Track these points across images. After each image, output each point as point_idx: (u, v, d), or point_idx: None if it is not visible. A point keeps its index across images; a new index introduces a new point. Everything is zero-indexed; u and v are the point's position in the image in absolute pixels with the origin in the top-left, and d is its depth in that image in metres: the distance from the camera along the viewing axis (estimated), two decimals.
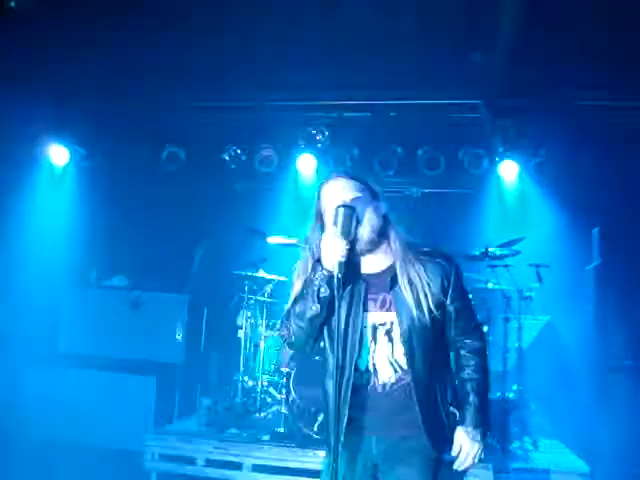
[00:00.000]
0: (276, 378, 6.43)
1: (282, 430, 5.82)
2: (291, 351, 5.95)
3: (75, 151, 8.35)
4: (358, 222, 2.86)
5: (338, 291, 2.79)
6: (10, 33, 6.24)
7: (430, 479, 2.91)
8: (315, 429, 5.49)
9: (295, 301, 2.98)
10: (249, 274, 6.69)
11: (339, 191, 2.96)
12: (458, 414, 3.00)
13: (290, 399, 5.80)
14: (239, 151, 7.99)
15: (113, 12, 5.95)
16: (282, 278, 6.72)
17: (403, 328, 2.90)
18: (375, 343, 2.93)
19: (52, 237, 7.95)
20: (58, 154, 8.30)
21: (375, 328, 2.94)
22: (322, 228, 2.98)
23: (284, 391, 5.92)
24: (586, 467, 5.46)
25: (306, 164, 7.90)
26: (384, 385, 2.94)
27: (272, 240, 6.66)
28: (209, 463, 5.61)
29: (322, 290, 2.83)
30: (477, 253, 6.27)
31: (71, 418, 6.91)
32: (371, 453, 2.95)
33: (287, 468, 5.35)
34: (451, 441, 2.96)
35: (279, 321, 3.21)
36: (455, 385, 3.05)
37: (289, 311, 3.00)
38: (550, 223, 7.41)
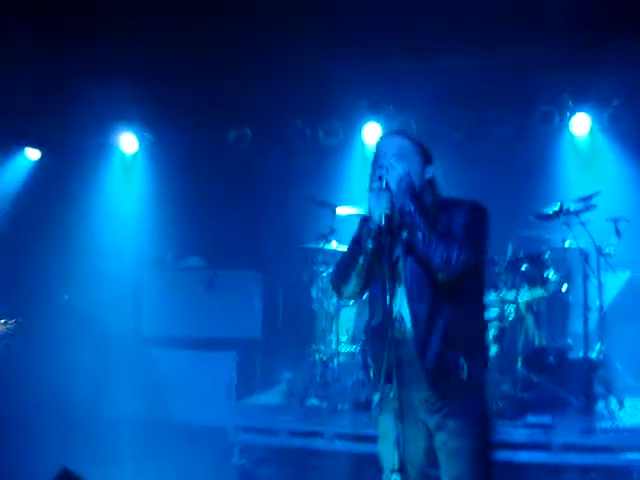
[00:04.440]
0: (353, 348, 6.45)
1: (362, 399, 5.84)
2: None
3: (144, 138, 8.52)
4: (400, 179, 2.96)
5: (384, 243, 2.87)
6: (76, 25, 6.42)
7: (472, 434, 2.91)
8: None
9: (345, 254, 3.17)
10: (320, 247, 6.70)
11: (389, 147, 3.10)
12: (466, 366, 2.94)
13: (367, 367, 5.80)
14: (304, 125, 8.02)
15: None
16: None
17: (407, 275, 2.99)
18: (398, 291, 2.99)
19: (128, 222, 8.18)
20: (128, 142, 8.49)
21: (398, 276, 3.00)
22: None
23: (361, 360, 5.92)
24: None
25: (372, 133, 7.85)
26: (409, 333, 2.97)
27: (341, 211, 6.67)
28: (291, 434, 5.67)
29: (368, 242, 2.92)
30: (551, 212, 6.11)
31: (155, 396, 7.12)
32: (417, 410, 2.96)
33: (368, 436, 5.36)
34: (455, 393, 2.93)
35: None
36: (474, 340, 3.05)
37: (338, 263, 3.21)
38: (627, 175, 7.16)
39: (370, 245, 2.92)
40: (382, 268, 2.91)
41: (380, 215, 2.87)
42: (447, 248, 2.86)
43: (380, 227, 2.87)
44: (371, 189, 2.97)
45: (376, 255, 2.93)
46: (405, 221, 2.93)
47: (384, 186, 2.92)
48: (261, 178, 8.01)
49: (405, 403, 2.82)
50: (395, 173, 2.97)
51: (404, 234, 2.97)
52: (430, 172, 3.11)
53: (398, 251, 3.01)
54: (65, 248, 7.93)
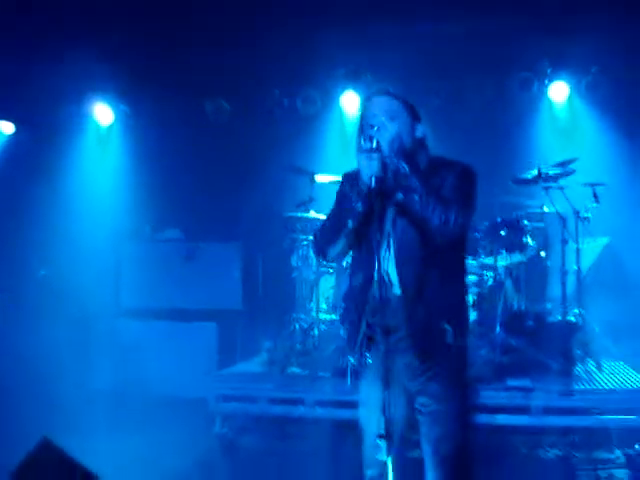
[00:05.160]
0: (333, 316, 6.44)
1: (342, 365, 5.84)
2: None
3: (120, 110, 8.42)
4: (393, 139, 2.87)
5: (373, 205, 2.80)
6: None
7: (453, 397, 2.93)
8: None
9: (331, 215, 3.10)
10: (299, 215, 6.67)
11: (379, 107, 3.00)
12: (451, 331, 2.94)
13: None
14: (282, 94, 7.98)
15: None
16: None
17: (397, 237, 2.95)
18: (387, 253, 2.94)
19: (104, 195, 8.11)
20: (103, 113, 8.39)
21: (387, 238, 2.96)
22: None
23: (341, 327, 5.92)
24: None
25: (350, 101, 7.83)
26: (397, 298, 2.93)
27: (320, 179, 6.64)
28: (272, 401, 5.68)
29: (358, 204, 2.86)
30: (530, 176, 6.11)
31: (136, 369, 7.10)
32: (399, 373, 2.93)
33: (349, 402, 5.37)
34: (441, 358, 2.94)
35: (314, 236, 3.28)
36: (457, 305, 3.05)
37: (324, 224, 3.13)
38: (605, 142, 7.19)
39: (360, 207, 2.86)
40: (370, 230, 2.86)
41: (371, 176, 2.79)
42: (445, 210, 2.81)
43: (370, 189, 2.80)
44: (361, 149, 2.86)
45: (365, 217, 2.87)
46: (400, 183, 2.86)
47: (375, 146, 2.83)
48: (239, 147, 7.92)
49: (390, 368, 2.80)
50: (386, 133, 2.88)
51: (399, 196, 2.90)
52: (420, 131, 3.04)
53: (388, 213, 2.95)
54: (41, 222, 7.84)
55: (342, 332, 5.76)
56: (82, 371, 7.21)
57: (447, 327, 2.93)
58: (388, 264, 2.94)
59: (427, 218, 2.82)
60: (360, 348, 2.96)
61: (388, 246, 2.95)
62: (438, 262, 2.92)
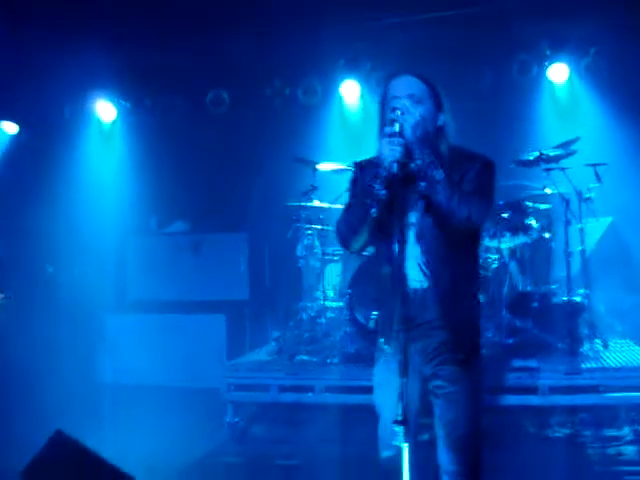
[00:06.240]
0: (340, 303, 6.48)
1: (350, 351, 5.90)
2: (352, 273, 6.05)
3: (121, 106, 8.45)
4: (417, 124, 2.77)
5: (394, 191, 2.70)
6: None
7: (466, 380, 2.93)
8: None
9: (352, 205, 3.01)
10: (303, 204, 6.69)
11: (403, 88, 2.90)
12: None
13: (355, 321, 5.86)
14: (283, 85, 8.00)
15: None
16: (336, 206, 6.68)
17: (423, 227, 2.89)
18: (406, 244, 2.81)
19: (109, 190, 8.14)
20: (105, 110, 8.42)
21: (408, 228, 2.88)
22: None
23: (348, 314, 5.97)
24: None
25: (350, 90, 7.84)
26: (415, 291, 2.91)
27: (322, 167, 6.66)
28: (282, 389, 5.73)
29: (381, 191, 2.69)
30: (531, 158, 6.12)
31: (147, 361, 7.16)
32: (412, 360, 2.85)
33: (358, 387, 5.43)
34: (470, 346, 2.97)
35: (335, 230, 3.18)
36: (475, 292, 3.08)
37: (346, 215, 3.02)
38: (606, 122, 7.16)
39: (383, 195, 2.67)
40: (392, 219, 2.76)
41: (393, 162, 2.67)
42: (468, 202, 2.76)
43: (393, 175, 2.67)
44: (383, 133, 2.75)
45: (388, 205, 2.72)
46: (426, 171, 2.76)
47: (398, 131, 2.71)
48: (241, 138, 7.94)
49: (405, 359, 2.74)
50: (410, 118, 2.75)
51: (422, 185, 2.78)
52: (442, 119, 2.93)
53: (411, 202, 2.88)
54: (47, 220, 7.87)
55: (350, 317, 5.87)
56: (91, 364, 7.30)
57: (469, 313, 2.99)
58: (411, 254, 2.88)
59: (452, 210, 2.76)
60: (382, 335, 2.98)
61: (408, 236, 2.87)
62: (459, 251, 2.92)
